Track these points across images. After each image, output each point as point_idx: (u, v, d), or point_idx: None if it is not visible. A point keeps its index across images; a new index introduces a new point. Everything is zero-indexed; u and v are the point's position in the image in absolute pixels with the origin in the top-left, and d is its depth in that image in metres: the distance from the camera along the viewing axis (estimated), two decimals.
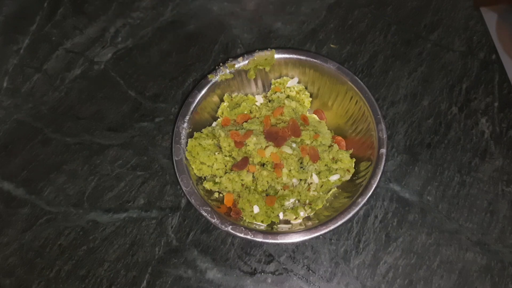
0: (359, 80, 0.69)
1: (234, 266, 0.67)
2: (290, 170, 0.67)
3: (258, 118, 0.72)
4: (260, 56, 0.72)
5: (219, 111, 0.75)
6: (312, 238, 0.61)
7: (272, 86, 0.76)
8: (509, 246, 0.67)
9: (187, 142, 0.68)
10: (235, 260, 0.68)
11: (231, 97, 0.75)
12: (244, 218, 0.66)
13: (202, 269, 0.67)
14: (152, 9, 0.89)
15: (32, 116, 0.79)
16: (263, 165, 0.68)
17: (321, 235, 0.61)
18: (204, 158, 0.67)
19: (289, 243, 0.66)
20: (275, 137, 0.68)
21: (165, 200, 0.72)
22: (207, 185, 0.68)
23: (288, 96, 0.75)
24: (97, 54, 0.85)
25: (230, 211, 0.66)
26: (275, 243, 0.61)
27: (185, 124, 0.69)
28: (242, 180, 0.67)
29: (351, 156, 0.70)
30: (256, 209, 0.66)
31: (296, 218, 0.67)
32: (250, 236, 0.61)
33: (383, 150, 0.65)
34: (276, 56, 0.72)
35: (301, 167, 0.68)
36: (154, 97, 0.80)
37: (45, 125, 0.78)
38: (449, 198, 0.71)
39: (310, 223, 0.64)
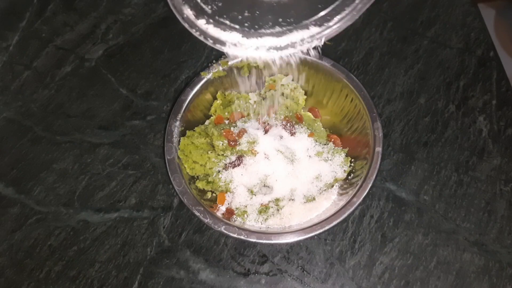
0: (354, 78, 0.69)
1: (227, 266, 0.66)
2: None
3: (251, 116, 0.72)
4: None
5: (212, 109, 0.74)
6: (306, 238, 0.61)
7: (266, 84, 0.75)
8: (507, 247, 0.66)
9: (179, 141, 0.68)
10: (228, 260, 0.67)
11: (224, 94, 0.74)
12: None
13: (195, 270, 0.66)
14: (144, 5, 0.88)
15: (21, 114, 0.78)
16: None
17: (316, 235, 0.60)
18: (196, 157, 0.67)
19: (283, 244, 0.66)
20: None
21: (157, 199, 0.71)
22: (200, 185, 0.67)
23: (282, 94, 0.74)
24: (88, 51, 0.84)
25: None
26: (269, 243, 0.60)
27: (178, 122, 0.68)
28: None
29: (347, 155, 0.69)
30: None
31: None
32: (244, 236, 0.60)
33: (379, 149, 0.64)
34: None
35: None
36: (146, 94, 0.79)
37: (34, 123, 0.77)
38: (446, 197, 0.70)
39: None
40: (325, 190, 0.67)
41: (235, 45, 0.50)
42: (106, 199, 0.71)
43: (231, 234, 0.60)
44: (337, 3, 0.50)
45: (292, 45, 0.50)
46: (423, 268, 0.66)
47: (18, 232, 0.69)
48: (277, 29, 0.50)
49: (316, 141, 0.68)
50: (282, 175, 0.65)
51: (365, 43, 0.83)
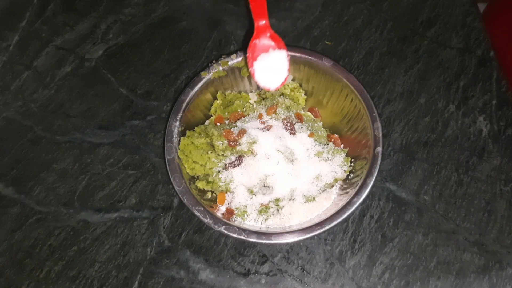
0: (354, 78, 0.69)
1: (227, 266, 0.66)
2: None
3: (251, 116, 0.71)
4: None
5: (212, 109, 0.74)
6: (306, 238, 0.61)
7: None
8: (507, 247, 0.66)
9: (179, 141, 0.67)
10: (228, 260, 0.67)
11: (224, 94, 0.74)
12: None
13: (195, 269, 0.66)
14: (144, 5, 0.88)
15: (21, 114, 0.78)
16: None
17: (316, 235, 0.60)
18: (196, 157, 0.67)
19: (283, 244, 0.65)
20: None
21: (157, 199, 0.71)
22: (200, 185, 0.67)
23: (282, 94, 0.74)
24: (88, 51, 0.84)
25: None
26: (269, 243, 0.60)
27: (178, 122, 0.68)
28: None
29: (347, 155, 0.69)
30: None
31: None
32: (244, 236, 0.60)
33: (379, 149, 0.64)
34: None
35: None
36: (146, 94, 0.79)
37: (34, 123, 0.77)
38: (446, 197, 0.70)
39: None
40: (325, 190, 0.67)
41: None
42: (106, 199, 0.71)
43: (231, 234, 0.60)
44: None
45: None
46: (423, 268, 0.66)
47: (18, 232, 0.69)
48: None
49: (316, 141, 0.68)
50: (282, 175, 0.65)
51: (365, 43, 0.83)
